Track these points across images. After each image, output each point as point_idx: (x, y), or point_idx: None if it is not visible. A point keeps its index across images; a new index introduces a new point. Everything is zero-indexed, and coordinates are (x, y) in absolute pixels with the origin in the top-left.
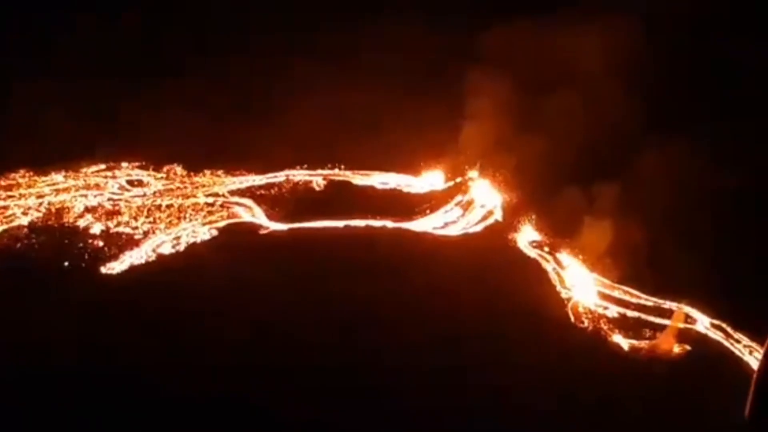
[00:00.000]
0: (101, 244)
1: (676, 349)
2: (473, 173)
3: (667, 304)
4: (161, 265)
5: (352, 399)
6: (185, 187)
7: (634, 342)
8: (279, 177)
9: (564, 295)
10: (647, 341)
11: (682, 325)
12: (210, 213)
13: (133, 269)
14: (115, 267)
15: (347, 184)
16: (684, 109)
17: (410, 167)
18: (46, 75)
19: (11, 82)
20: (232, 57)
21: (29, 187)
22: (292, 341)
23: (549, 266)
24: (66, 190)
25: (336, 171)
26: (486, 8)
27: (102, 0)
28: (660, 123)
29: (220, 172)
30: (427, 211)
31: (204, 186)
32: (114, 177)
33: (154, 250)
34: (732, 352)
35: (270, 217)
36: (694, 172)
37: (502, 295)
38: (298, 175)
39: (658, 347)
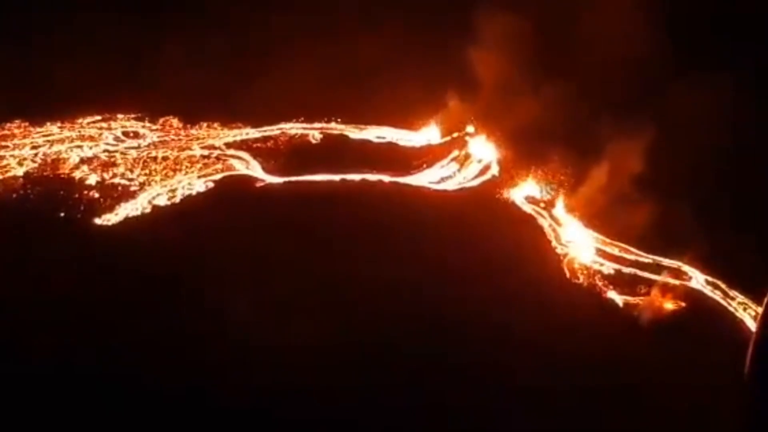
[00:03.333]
0: (97, 195)
1: (670, 305)
2: (470, 128)
3: (664, 261)
4: (156, 216)
5: (348, 356)
6: (181, 139)
7: (629, 298)
8: (274, 130)
9: (560, 251)
10: (642, 297)
11: (677, 282)
12: (206, 165)
13: (128, 221)
14: (110, 218)
15: (343, 138)
16: (691, 68)
17: (407, 121)
18: (43, 27)
19: (7, 33)
20: (229, 10)
21: (24, 137)
22: (288, 293)
23: (545, 222)
24: (61, 140)
25: (332, 124)
26: None
27: None
28: (664, 79)
29: (216, 125)
30: (424, 166)
31: (200, 138)
32: (109, 128)
33: (149, 202)
34: (727, 309)
35: (266, 170)
36: (698, 131)
37: (497, 250)
38: (294, 128)
39: (653, 303)
